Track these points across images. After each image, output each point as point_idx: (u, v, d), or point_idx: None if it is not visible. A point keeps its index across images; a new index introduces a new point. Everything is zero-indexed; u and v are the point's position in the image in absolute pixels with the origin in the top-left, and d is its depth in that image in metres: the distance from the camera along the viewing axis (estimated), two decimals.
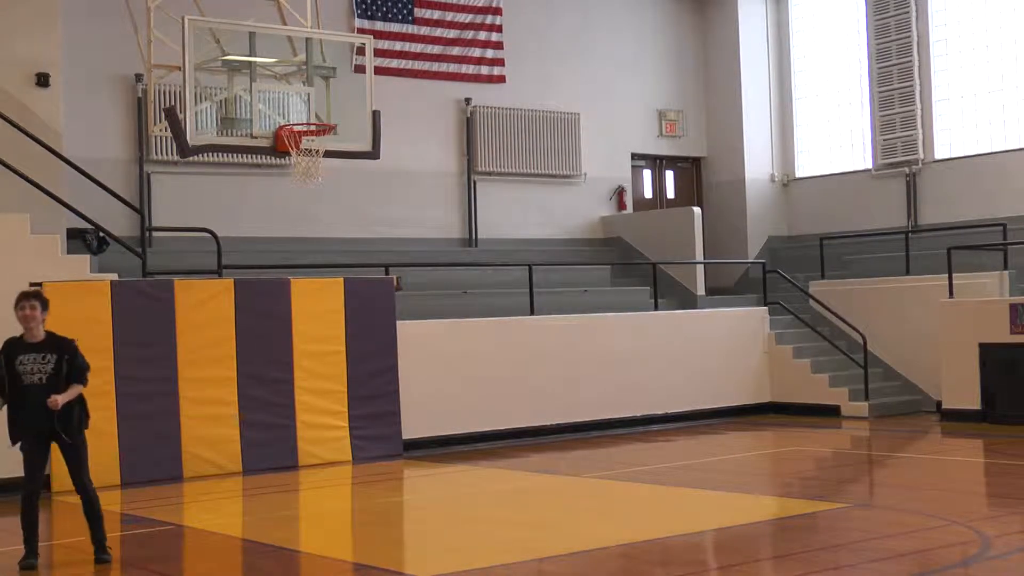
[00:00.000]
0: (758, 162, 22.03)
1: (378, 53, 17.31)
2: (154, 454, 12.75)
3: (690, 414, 17.33)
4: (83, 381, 8.53)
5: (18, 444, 8.53)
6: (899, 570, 7.83)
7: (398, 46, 19.02)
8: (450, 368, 15.20)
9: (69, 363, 8.42)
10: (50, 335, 8.53)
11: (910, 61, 20.14)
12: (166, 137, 14.51)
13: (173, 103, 13.91)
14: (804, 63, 22.06)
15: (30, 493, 8.48)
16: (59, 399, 8.28)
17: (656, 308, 17.94)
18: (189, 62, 12.27)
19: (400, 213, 18.91)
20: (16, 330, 8.54)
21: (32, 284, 12.13)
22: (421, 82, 19.23)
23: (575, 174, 20.73)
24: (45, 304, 8.56)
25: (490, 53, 19.97)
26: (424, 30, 19.33)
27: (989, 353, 15.89)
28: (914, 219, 20.19)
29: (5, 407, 8.43)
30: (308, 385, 13.82)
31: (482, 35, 19.92)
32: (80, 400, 8.53)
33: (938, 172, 20.04)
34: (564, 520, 10.28)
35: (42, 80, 13.79)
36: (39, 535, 8.57)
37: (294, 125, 12.86)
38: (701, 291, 19.12)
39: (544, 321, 16.32)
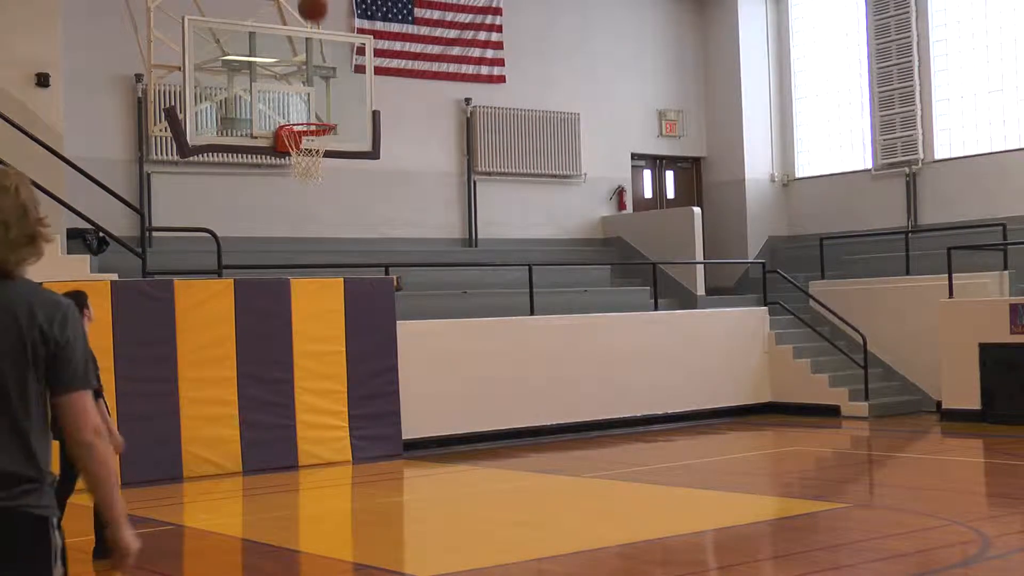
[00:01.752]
0: (758, 162, 22.03)
1: (378, 53, 17.30)
2: (154, 454, 12.74)
3: (690, 414, 17.33)
4: None
5: None
6: (899, 570, 7.83)
7: (398, 46, 19.02)
8: (450, 368, 15.20)
9: None
10: None
11: (910, 61, 20.14)
12: (166, 137, 14.50)
13: (173, 103, 13.91)
14: (804, 63, 22.06)
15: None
16: None
17: (656, 308, 17.94)
18: (189, 62, 12.27)
19: (400, 213, 18.91)
20: None
21: None
22: (421, 82, 19.24)
23: (575, 174, 20.73)
24: None
25: (490, 53, 19.97)
26: (424, 30, 19.32)
27: (989, 353, 15.89)
28: (914, 219, 20.19)
29: None
30: (308, 385, 13.81)
31: (482, 35, 19.92)
32: None
33: (938, 172, 20.04)
34: (564, 520, 10.28)
35: (42, 80, 13.79)
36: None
37: (294, 125, 12.86)
38: (701, 291, 19.11)
39: (544, 321, 16.32)
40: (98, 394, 8.62)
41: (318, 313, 13.91)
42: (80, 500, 8.68)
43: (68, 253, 13.37)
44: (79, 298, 8.78)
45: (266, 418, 13.49)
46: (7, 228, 3.33)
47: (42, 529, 3.23)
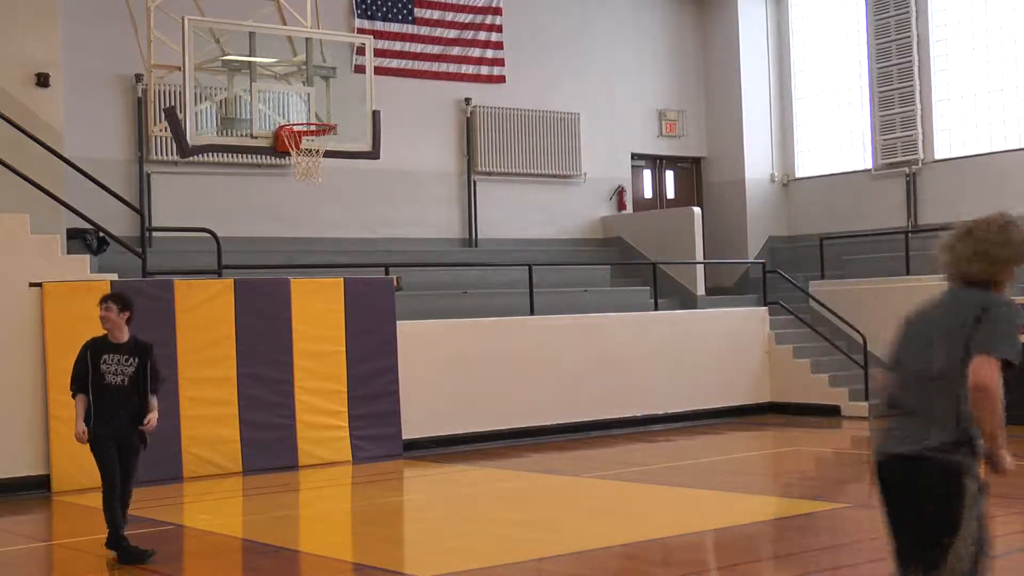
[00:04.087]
0: (758, 162, 22.02)
1: (378, 53, 17.30)
2: (154, 454, 12.70)
3: (690, 414, 17.32)
4: (157, 392, 8.70)
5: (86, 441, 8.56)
6: None
7: (398, 46, 19.02)
8: (450, 368, 15.20)
9: (152, 370, 8.59)
10: (133, 338, 8.65)
11: (910, 61, 20.14)
12: (166, 137, 14.50)
13: (173, 103, 13.91)
14: (804, 63, 22.06)
15: (113, 489, 8.51)
16: (153, 420, 8.52)
17: (656, 308, 17.94)
18: (189, 62, 12.27)
19: (400, 213, 18.91)
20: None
21: (32, 284, 12.16)
22: (421, 82, 19.23)
23: (575, 174, 20.73)
24: (125, 305, 8.64)
25: (490, 53, 19.97)
26: (424, 30, 19.32)
27: None
28: (914, 219, 20.18)
29: (81, 401, 8.47)
30: (308, 385, 13.81)
31: (482, 35, 19.91)
32: None
33: (938, 172, 20.04)
34: (564, 520, 10.28)
35: (42, 80, 13.79)
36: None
37: (294, 125, 12.86)
38: (701, 291, 19.11)
39: (544, 321, 16.31)
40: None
41: (318, 313, 13.91)
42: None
43: (68, 253, 13.36)
44: (118, 299, 8.69)
45: (266, 418, 13.48)
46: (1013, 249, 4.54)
47: (955, 476, 4.45)
